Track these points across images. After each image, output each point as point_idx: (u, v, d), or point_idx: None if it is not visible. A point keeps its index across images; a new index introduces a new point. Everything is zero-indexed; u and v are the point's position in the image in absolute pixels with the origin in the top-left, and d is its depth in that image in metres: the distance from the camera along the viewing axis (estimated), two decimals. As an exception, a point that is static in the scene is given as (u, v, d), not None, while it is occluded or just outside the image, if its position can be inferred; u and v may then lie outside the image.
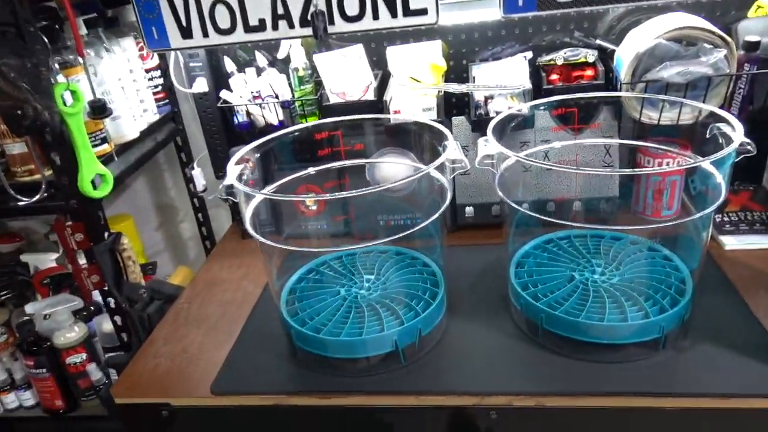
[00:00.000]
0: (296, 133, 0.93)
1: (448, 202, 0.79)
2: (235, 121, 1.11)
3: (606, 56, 1.03)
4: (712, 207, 0.72)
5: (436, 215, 0.78)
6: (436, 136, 0.82)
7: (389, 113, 0.96)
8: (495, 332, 0.83)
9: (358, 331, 0.78)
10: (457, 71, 1.10)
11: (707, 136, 0.76)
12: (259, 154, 1.05)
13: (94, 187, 0.92)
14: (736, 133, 0.70)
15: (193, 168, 1.21)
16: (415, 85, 0.96)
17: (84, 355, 1.24)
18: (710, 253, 0.95)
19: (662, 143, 1.02)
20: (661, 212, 1.07)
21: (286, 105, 1.07)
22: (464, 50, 1.08)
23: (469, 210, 1.09)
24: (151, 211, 1.40)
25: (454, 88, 0.94)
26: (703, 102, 0.93)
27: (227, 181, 0.75)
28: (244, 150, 0.84)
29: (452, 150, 0.76)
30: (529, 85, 0.92)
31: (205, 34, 0.94)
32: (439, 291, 0.84)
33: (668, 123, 0.95)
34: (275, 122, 1.09)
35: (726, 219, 1.03)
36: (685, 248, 0.86)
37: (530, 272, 0.86)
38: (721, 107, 0.94)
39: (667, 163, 1.01)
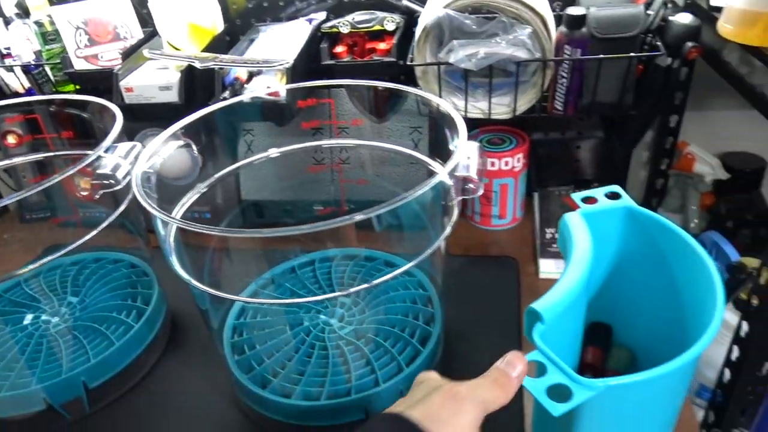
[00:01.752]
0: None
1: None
2: (-20, 84, 0.91)
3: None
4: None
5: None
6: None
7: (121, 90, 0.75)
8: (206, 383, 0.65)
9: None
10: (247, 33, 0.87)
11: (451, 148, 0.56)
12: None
13: None
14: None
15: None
16: (150, 54, 0.75)
17: None
18: (520, 281, 0.76)
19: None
20: (491, 221, 0.87)
21: (29, 69, 0.86)
22: (251, 5, 0.85)
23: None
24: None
25: (200, 62, 0.73)
26: (516, 94, 0.71)
27: None
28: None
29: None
30: (288, 62, 0.70)
31: None
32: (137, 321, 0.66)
33: (480, 116, 0.74)
34: (21, 90, 0.88)
35: (556, 236, 0.82)
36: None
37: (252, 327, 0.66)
38: (542, 102, 0.73)
39: (492, 163, 0.81)
